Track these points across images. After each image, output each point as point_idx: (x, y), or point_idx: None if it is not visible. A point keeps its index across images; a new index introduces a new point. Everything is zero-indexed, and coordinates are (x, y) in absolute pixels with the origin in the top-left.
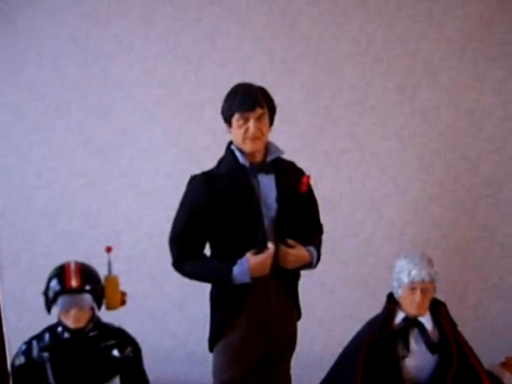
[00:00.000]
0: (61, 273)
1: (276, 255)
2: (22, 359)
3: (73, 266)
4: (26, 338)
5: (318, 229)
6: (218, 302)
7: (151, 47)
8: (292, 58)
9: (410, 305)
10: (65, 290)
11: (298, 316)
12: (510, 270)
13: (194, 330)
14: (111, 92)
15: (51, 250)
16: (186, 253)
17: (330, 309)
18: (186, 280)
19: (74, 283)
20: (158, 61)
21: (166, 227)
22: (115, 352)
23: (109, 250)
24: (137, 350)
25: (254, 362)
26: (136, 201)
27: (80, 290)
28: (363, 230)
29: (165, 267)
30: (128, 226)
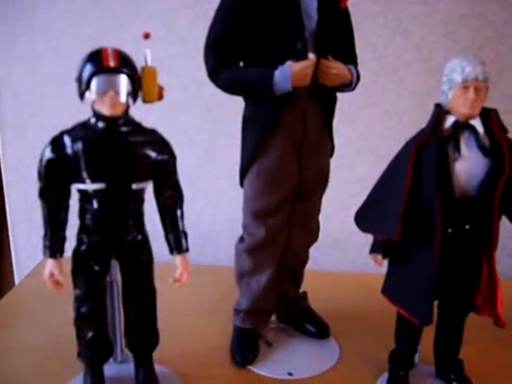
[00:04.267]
0: (97, 55)
1: (316, 69)
2: (51, 153)
3: (110, 49)
4: (31, 220)
5: (354, 57)
6: (251, 122)
7: None
8: None
9: (463, 104)
10: (102, 69)
11: (332, 151)
12: None
13: (205, 209)
14: None
15: (58, 121)
16: (222, 60)
17: (347, 186)
18: (198, 154)
19: (111, 63)
20: None
21: (178, 96)
22: (149, 151)
23: (147, 36)
24: (172, 155)
25: (288, 189)
26: None
27: (117, 71)
28: (384, 99)
29: (176, 141)
30: None
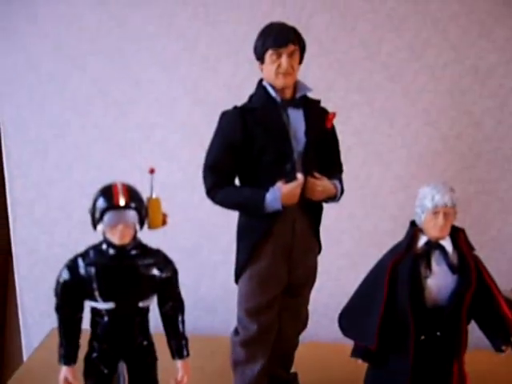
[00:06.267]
0: (108, 192)
1: (304, 187)
2: (67, 275)
3: (119, 186)
4: (38, 288)
5: (339, 166)
6: (246, 232)
7: (169, 0)
8: (306, 14)
9: (433, 228)
10: (112, 206)
11: (319, 250)
12: (508, 224)
13: (203, 279)
14: (128, 44)
15: (64, 201)
16: (219, 181)
17: (336, 259)
18: (195, 229)
19: (121, 201)
20: (175, 14)
21: (179, 178)
22: (155, 271)
23: (152, 171)
24: (174, 271)
25: (278, 290)
26: (150, 153)
27: (126, 207)
28: (370, 182)
29: (176, 217)
30: (141, 178)
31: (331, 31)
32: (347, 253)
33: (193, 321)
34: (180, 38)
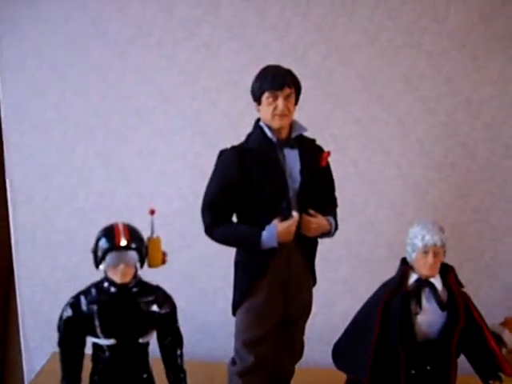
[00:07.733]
0: (110, 232)
1: (299, 224)
2: (70, 312)
3: (121, 227)
4: (40, 312)
5: (333, 201)
6: (243, 267)
7: (170, 33)
8: (303, 46)
9: (423, 266)
10: (114, 247)
11: (314, 282)
12: (501, 251)
13: (202, 305)
14: (130, 75)
15: (67, 226)
16: (217, 219)
17: (332, 285)
18: (195, 256)
19: (122, 242)
20: (176, 47)
21: (178, 206)
22: (154, 307)
23: (152, 212)
24: (173, 307)
25: (274, 323)
26: (150, 180)
27: (127, 248)
28: (366, 210)
29: (176, 244)
30: (141, 205)
31: (328, 63)
32: (343, 279)
33: (192, 346)
34: (181, 69)
